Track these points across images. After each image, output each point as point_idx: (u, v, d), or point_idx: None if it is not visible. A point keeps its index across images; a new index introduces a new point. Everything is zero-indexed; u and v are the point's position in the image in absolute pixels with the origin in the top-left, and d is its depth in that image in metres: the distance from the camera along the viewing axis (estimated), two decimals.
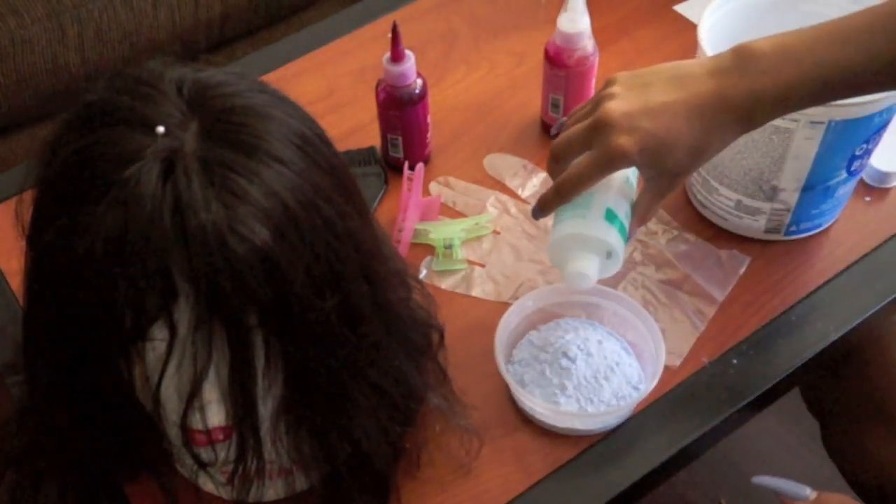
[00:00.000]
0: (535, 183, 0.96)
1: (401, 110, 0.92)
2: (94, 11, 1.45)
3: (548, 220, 0.92)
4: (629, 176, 0.78)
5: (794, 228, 0.89)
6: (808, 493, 0.78)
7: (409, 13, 1.15)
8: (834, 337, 0.83)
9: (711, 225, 0.91)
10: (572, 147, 0.72)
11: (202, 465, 0.64)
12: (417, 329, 0.73)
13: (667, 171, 0.72)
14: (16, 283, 0.88)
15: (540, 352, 0.78)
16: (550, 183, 0.74)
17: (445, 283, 0.89)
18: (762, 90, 0.68)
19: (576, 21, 0.92)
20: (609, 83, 0.72)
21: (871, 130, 0.80)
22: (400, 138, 0.95)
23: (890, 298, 0.85)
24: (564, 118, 0.78)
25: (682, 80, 0.69)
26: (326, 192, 0.57)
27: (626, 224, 0.75)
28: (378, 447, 0.68)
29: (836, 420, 0.97)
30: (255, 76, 0.61)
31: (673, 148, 0.69)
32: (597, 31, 0.95)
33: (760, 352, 0.82)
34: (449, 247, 0.90)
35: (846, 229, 0.91)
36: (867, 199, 0.93)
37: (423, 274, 0.89)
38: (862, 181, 0.94)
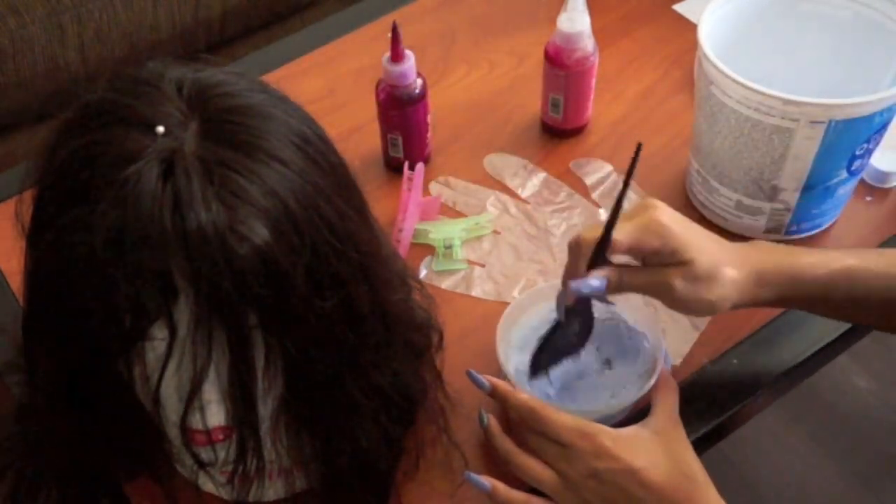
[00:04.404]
0: (535, 183, 0.96)
1: (401, 110, 0.92)
2: (94, 11, 1.45)
3: (548, 220, 0.93)
4: None
5: (794, 228, 0.88)
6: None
7: (409, 13, 1.15)
8: (833, 336, 0.83)
9: (711, 225, 0.91)
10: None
11: (202, 465, 0.64)
12: (417, 330, 0.73)
13: None
14: (16, 283, 0.88)
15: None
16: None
17: (445, 283, 0.89)
18: None
19: (576, 21, 0.92)
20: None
21: (871, 130, 0.80)
22: (400, 138, 0.95)
23: None
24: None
25: None
26: (326, 192, 0.57)
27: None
28: (378, 447, 0.68)
29: None
30: (255, 76, 0.61)
31: None
32: (597, 30, 0.95)
33: (760, 352, 0.82)
34: (449, 247, 0.90)
35: (847, 229, 0.91)
36: (868, 198, 0.93)
37: (423, 274, 0.89)
38: (863, 181, 0.93)
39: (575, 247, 0.70)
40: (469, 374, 0.73)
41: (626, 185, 0.67)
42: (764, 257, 0.71)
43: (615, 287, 0.70)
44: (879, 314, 0.73)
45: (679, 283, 0.68)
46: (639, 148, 0.66)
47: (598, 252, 0.69)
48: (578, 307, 0.74)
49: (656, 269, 0.69)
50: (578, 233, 0.70)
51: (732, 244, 0.72)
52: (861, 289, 0.72)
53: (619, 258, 0.70)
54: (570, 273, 0.71)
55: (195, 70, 0.58)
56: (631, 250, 0.69)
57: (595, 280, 0.69)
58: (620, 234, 0.68)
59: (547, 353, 0.76)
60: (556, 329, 0.75)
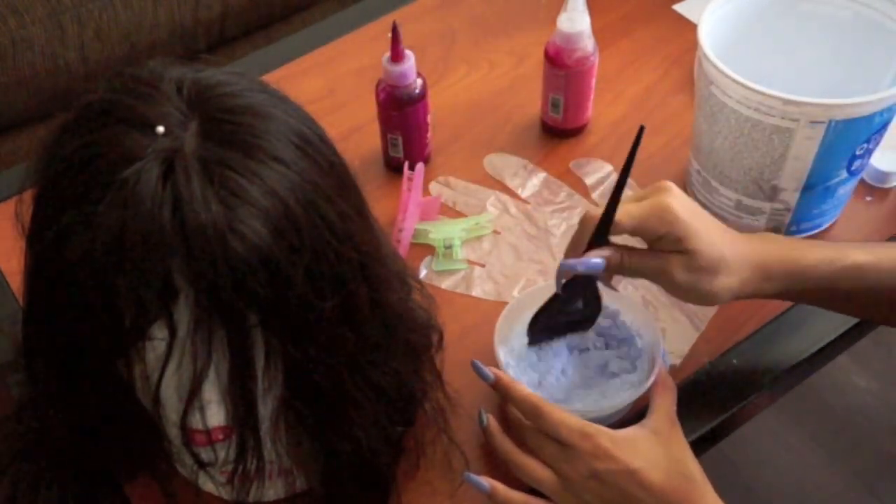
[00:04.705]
0: (535, 183, 0.96)
1: (401, 110, 0.92)
2: (94, 11, 1.45)
3: (548, 220, 0.93)
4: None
5: (794, 228, 0.88)
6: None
7: (409, 13, 1.15)
8: (833, 336, 0.83)
9: None
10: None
11: (202, 465, 0.64)
12: (417, 330, 0.73)
13: None
14: (16, 283, 0.88)
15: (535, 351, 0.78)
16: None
17: (445, 283, 0.89)
18: None
19: (576, 21, 0.92)
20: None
21: (871, 130, 0.80)
22: (400, 138, 0.95)
23: None
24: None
25: None
26: (326, 192, 0.57)
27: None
28: (378, 447, 0.68)
29: None
30: (255, 76, 0.61)
31: None
32: (597, 31, 0.95)
33: (760, 352, 0.82)
34: (449, 247, 0.90)
35: (847, 229, 0.91)
36: (868, 198, 0.93)
37: (423, 274, 0.89)
38: (862, 181, 0.93)
39: (582, 222, 0.70)
40: (473, 365, 0.72)
41: (627, 167, 0.67)
42: (770, 250, 0.71)
43: (616, 268, 0.69)
44: (889, 309, 0.73)
45: (679, 272, 0.68)
46: (640, 130, 0.66)
47: (599, 231, 0.68)
48: (580, 284, 0.73)
49: (659, 255, 0.69)
50: (588, 209, 0.70)
51: (740, 235, 0.71)
52: (868, 284, 0.71)
53: (624, 239, 0.70)
54: (573, 247, 0.71)
55: (195, 70, 0.58)
56: (635, 232, 0.69)
57: (593, 259, 0.69)
58: (625, 215, 0.68)
59: (543, 324, 0.75)
60: (552, 301, 0.74)
